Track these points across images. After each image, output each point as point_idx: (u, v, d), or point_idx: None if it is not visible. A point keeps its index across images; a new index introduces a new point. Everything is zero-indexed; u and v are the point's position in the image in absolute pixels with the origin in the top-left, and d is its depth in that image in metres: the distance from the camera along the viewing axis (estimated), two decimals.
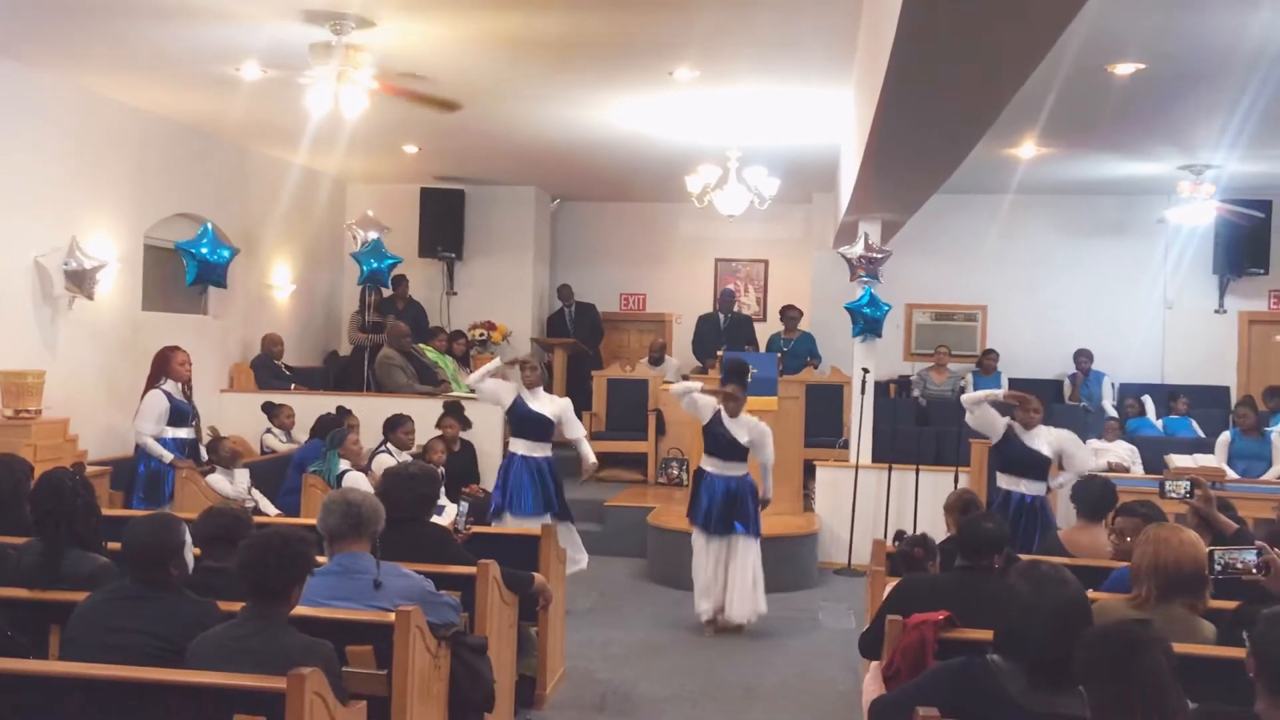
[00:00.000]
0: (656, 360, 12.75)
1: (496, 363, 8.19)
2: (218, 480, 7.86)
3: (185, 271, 9.11)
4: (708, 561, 7.38)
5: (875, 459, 9.67)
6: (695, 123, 9.13)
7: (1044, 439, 7.13)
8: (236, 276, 10.53)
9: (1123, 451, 10.15)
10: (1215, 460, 9.65)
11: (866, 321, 9.66)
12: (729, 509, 7.29)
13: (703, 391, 7.50)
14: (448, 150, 11.12)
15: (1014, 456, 7.12)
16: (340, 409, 9.17)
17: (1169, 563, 3.55)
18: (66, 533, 4.19)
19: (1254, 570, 3.33)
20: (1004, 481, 7.21)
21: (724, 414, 7.32)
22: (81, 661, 3.40)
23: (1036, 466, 7.05)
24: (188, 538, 3.71)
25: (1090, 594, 3.75)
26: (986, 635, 3.20)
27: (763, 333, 12.84)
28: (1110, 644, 2.47)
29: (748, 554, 7.35)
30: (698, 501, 7.41)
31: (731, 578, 7.34)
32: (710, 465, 7.42)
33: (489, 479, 9.63)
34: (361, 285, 11.35)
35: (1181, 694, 2.43)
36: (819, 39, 6.81)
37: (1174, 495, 4.59)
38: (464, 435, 9.46)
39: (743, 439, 7.30)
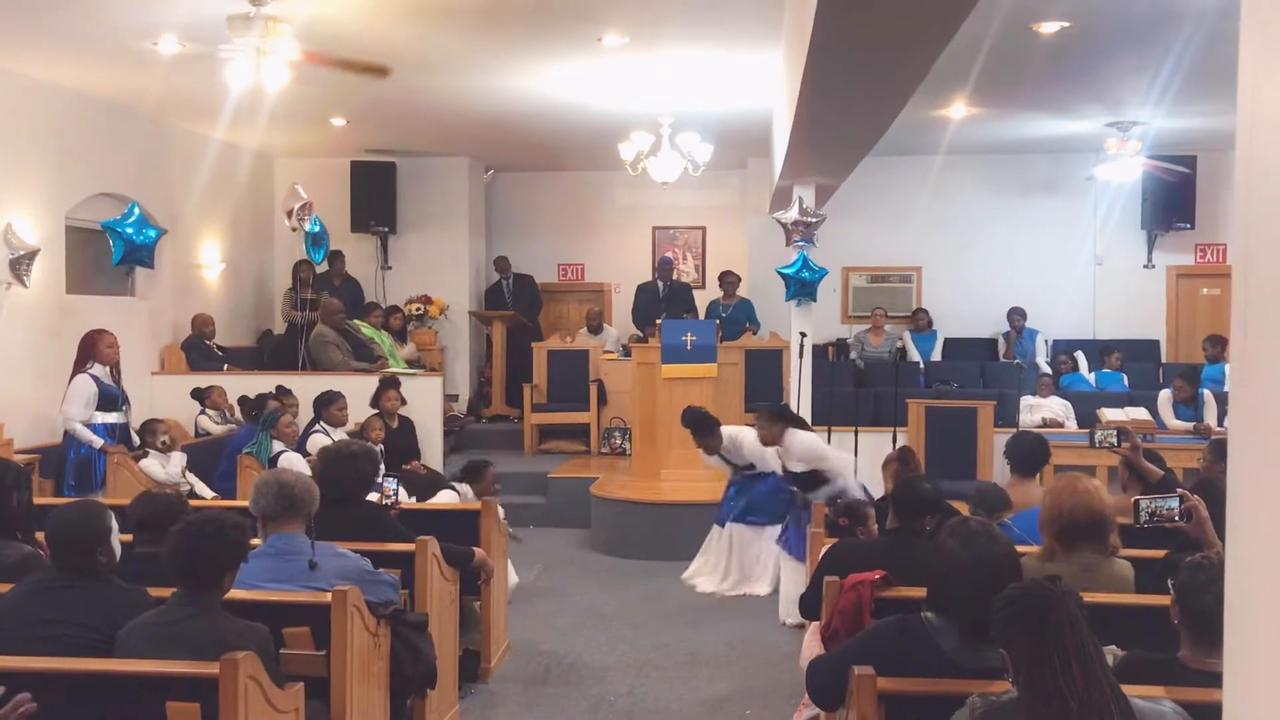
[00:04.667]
0: (595, 329, 12.75)
1: None
2: (151, 465, 7.72)
3: (110, 252, 8.91)
4: (720, 544, 7.72)
5: (815, 422, 9.70)
6: (626, 89, 9.06)
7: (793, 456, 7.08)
8: (164, 256, 10.32)
9: (1056, 407, 10.32)
10: (1161, 413, 9.86)
11: (801, 285, 9.68)
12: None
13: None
14: (377, 122, 10.95)
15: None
16: (280, 388, 9.05)
17: (1066, 512, 3.60)
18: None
19: (1177, 518, 3.39)
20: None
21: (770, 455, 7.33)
22: (8, 655, 3.33)
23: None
24: (114, 524, 3.63)
25: (1024, 549, 3.82)
26: (923, 593, 3.23)
27: (702, 300, 12.85)
28: (1022, 603, 2.51)
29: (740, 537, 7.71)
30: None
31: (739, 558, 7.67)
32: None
33: (429, 454, 9.59)
34: (320, 261, 11.09)
35: (1098, 643, 2.48)
36: (747, 2, 6.78)
37: (1104, 445, 4.66)
38: (402, 411, 9.38)
39: (795, 467, 7.08)
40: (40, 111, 8.84)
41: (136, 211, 8.85)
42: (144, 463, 7.71)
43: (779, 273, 9.78)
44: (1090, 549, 3.65)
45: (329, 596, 3.82)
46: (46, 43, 7.73)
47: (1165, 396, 10.01)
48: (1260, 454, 1.09)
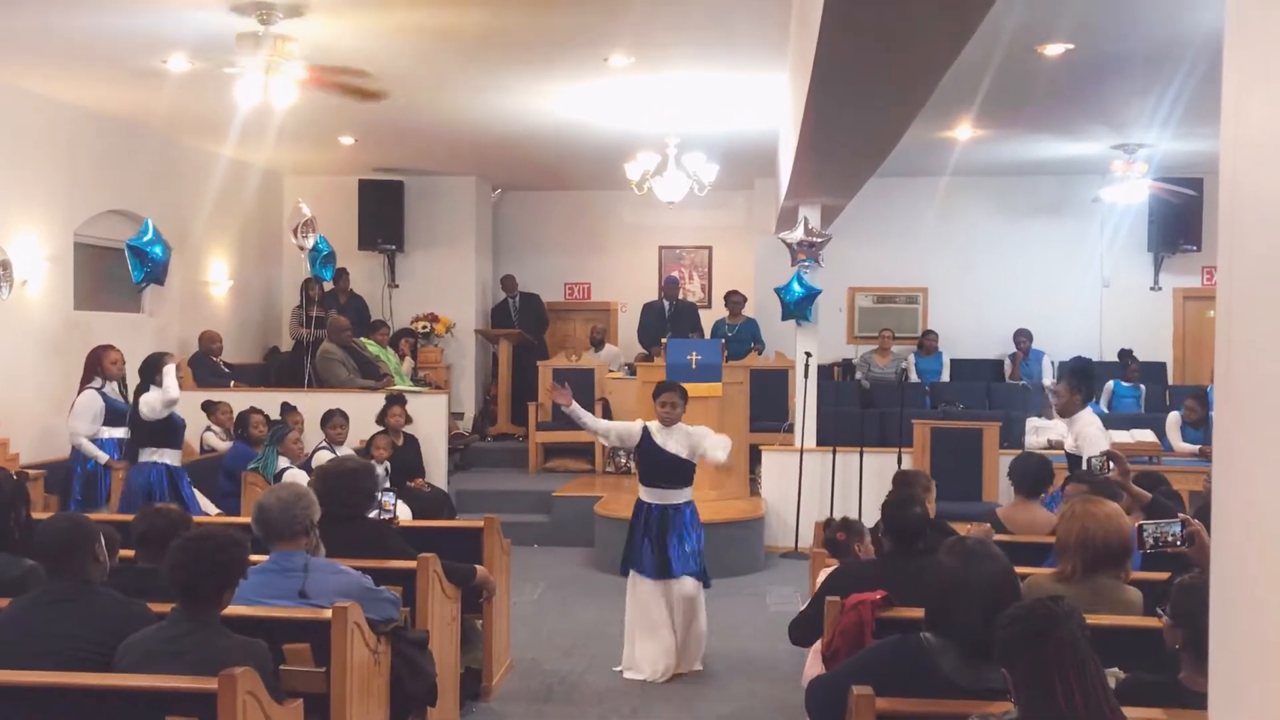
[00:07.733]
0: (598, 344, 12.84)
1: None
2: None
3: (119, 269, 8.96)
4: (658, 608, 6.20)
5: (820, 442, 9.73)
6: (632, 109, 9.11)
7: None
8: (172, 273, 10.36)
9: (1062, 429, 10.27)
10: (1169, 435, 9.81)
11: (794, 305, 9.65)
12: (671, 544, 6.18)
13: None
14: (385, 141, 11.01)
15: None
16: (285, 405, 9.06)
17: (1097, 537, 3.61)
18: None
19: (1179, 543, 3.38)
20: (647, 495, 6.29)
21: (654, 429, 6.25)
22: (9, 669, 3.33)
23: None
24: (99, 530, 3.66)
25: (1026, 570, 3.81)
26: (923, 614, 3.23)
27: (708, 319, 12.87)
28: (1024, 623, 2.50)
29: (697, 596, 6.31)
30: (637, 540, 6.28)
31: (687, 622, 6.27)
32: (648, 495, 6.29)
33: (433, 472, 9.60)
34: (329, 278, 11.15)
35: (1099, 665, 2.47)
36: (752, 23, 6.82)
37: (1098, 472, 4.70)
38: (407, 429, 9.39)
39: (683, 453, 6.22)
40: (51, 128, 8.90)
41: (152, 228, 8.89)
42: None
43: (775, 292, 9.78)
44: (1108, 574, 3.66)
45: (329, 613, 3.83)
46: (58, 60, 7.80)
47: (1174, 419, 9.97)
48: (1243, 470, 1.09)
